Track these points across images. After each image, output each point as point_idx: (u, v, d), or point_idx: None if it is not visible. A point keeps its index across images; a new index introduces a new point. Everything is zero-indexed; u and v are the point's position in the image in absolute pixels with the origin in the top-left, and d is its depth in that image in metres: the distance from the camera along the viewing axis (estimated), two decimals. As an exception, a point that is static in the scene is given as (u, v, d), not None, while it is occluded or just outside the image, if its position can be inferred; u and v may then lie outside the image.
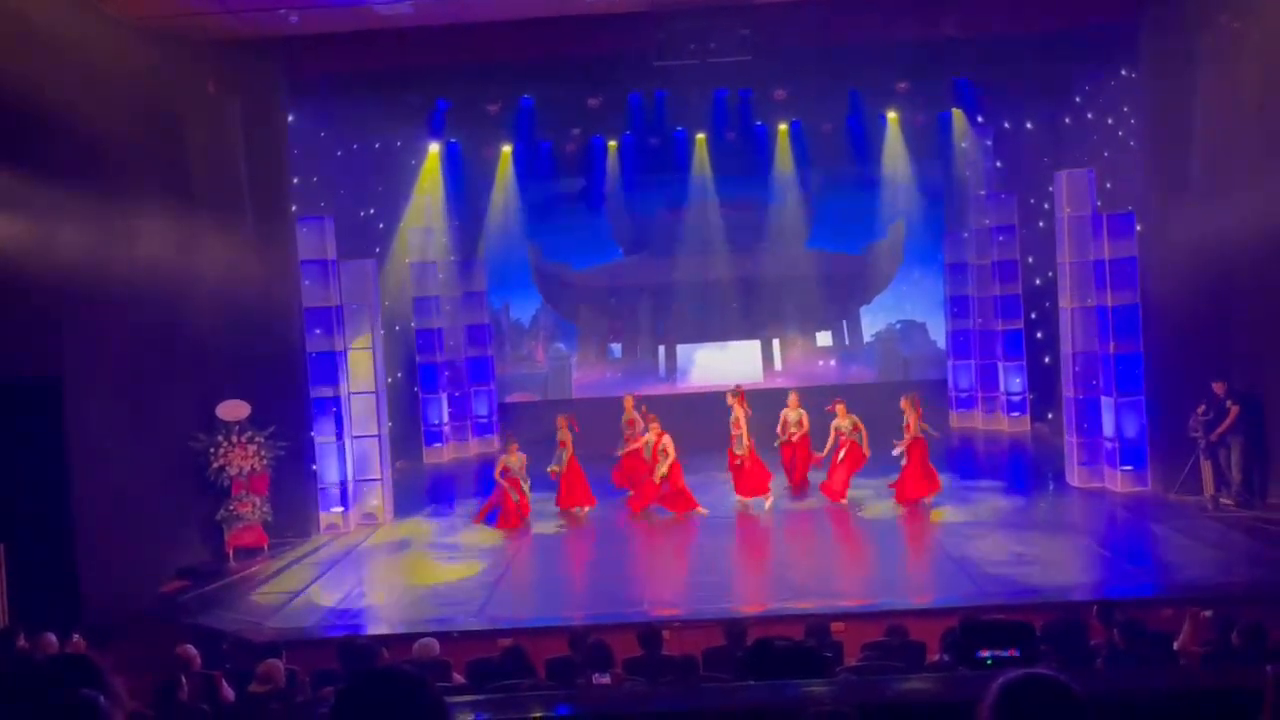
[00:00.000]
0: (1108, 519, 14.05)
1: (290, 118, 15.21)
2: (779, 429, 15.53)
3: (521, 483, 14.69)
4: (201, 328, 13.29)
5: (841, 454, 14.78)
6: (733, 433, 15.02)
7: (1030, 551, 12.54)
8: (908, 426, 14.57)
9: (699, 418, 15.89)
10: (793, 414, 15.46)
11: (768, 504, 14.79)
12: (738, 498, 14.99)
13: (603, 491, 15.55)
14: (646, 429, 15.08)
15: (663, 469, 14.39)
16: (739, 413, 15.07)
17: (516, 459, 14.72)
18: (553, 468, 15.13)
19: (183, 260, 12.42)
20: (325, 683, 8.05)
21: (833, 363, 20.66)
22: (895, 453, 14.52)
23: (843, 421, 14.88)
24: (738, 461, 15.00)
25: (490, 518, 14.77)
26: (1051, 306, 16.85)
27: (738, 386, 15.65)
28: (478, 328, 20.09)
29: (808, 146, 19.31)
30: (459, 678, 8.13)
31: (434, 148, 19.28)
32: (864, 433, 14.91)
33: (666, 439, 14.45)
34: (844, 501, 14.67)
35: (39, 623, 9.19)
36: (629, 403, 16.11)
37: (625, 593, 11.97)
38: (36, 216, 10.54)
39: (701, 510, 14.49)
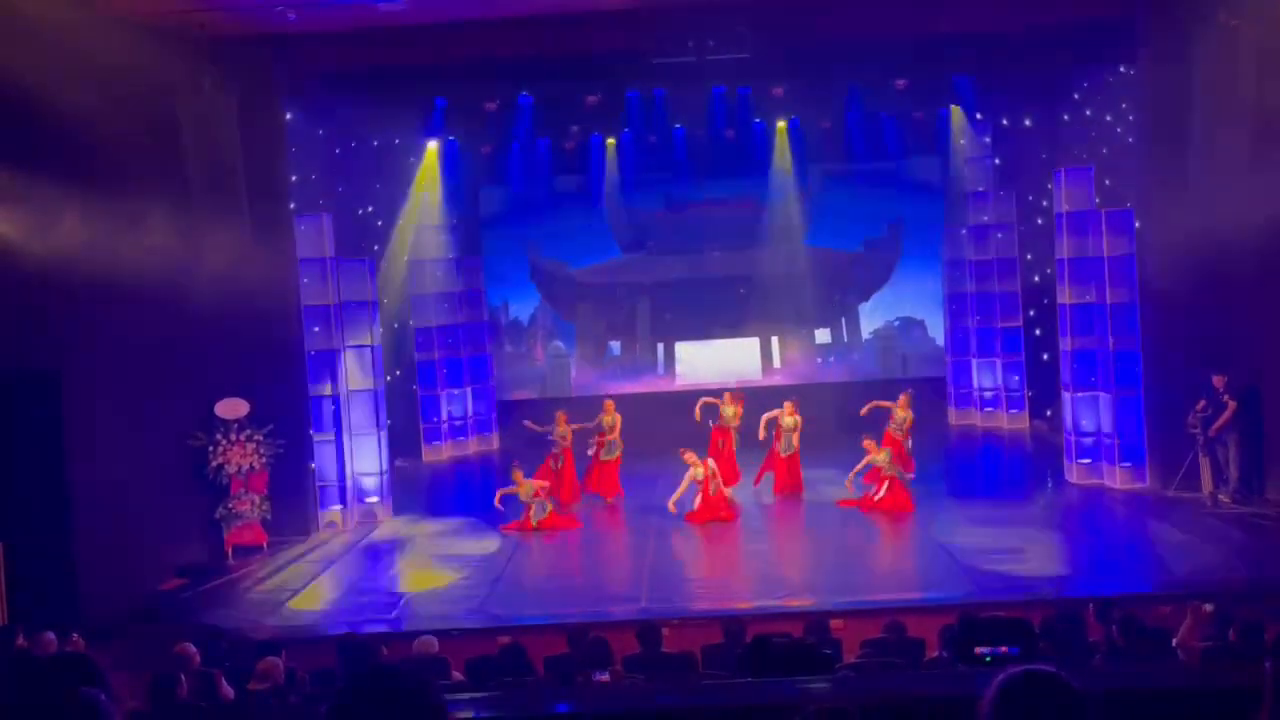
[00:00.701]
0: (1106, 516, 14.06)
1: (288, 115, 15.21)
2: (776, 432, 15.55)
3: (534, 511, 14.21)
4: (200, 325, 13.28)
5: (883, 491, 14.18)
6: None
7: (1029, 548, 12.55)
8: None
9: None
10: (788, 420, 15.39)
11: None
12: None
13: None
14: (611, 425, 15.42)
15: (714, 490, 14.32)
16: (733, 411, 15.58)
17: (526, 488, 14.30)
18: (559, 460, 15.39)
19: (181, 257, 12.41)
20: (324, 681, 8.06)
21: (831, 360, 20.65)
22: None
23: (878, 456, 14.30)
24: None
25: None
26: (1050, 303, 16.86)
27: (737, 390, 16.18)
28: (476, 325, 20.07)
29: (806, 143, 19.30)
30: (458, 675, 8.13)
31: (432, 145, 19.25)
32: (898, 464, 14.49)
33: (710, 463, 14.42)
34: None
35: (38, 621, 9.20)
36: (610, 405, 15.95)
37: (624, 590, 11.98)
38: (35, 212, 10.55)
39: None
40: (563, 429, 15.49)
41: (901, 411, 15.28)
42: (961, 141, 19.75)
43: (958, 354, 19.95)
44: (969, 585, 11.39)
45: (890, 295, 20.64)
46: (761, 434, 15.34)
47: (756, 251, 20.21)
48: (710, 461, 14.50)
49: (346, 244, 16.07)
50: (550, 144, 19.38)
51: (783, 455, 15.30)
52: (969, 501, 14.59)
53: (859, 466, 14.40)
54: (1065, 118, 17.79)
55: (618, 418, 15.61)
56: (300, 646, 9.73)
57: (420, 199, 19.45)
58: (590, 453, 15.67)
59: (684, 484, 14.31)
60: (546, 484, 14.64)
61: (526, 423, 16.11)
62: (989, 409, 19.49)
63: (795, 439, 15.27)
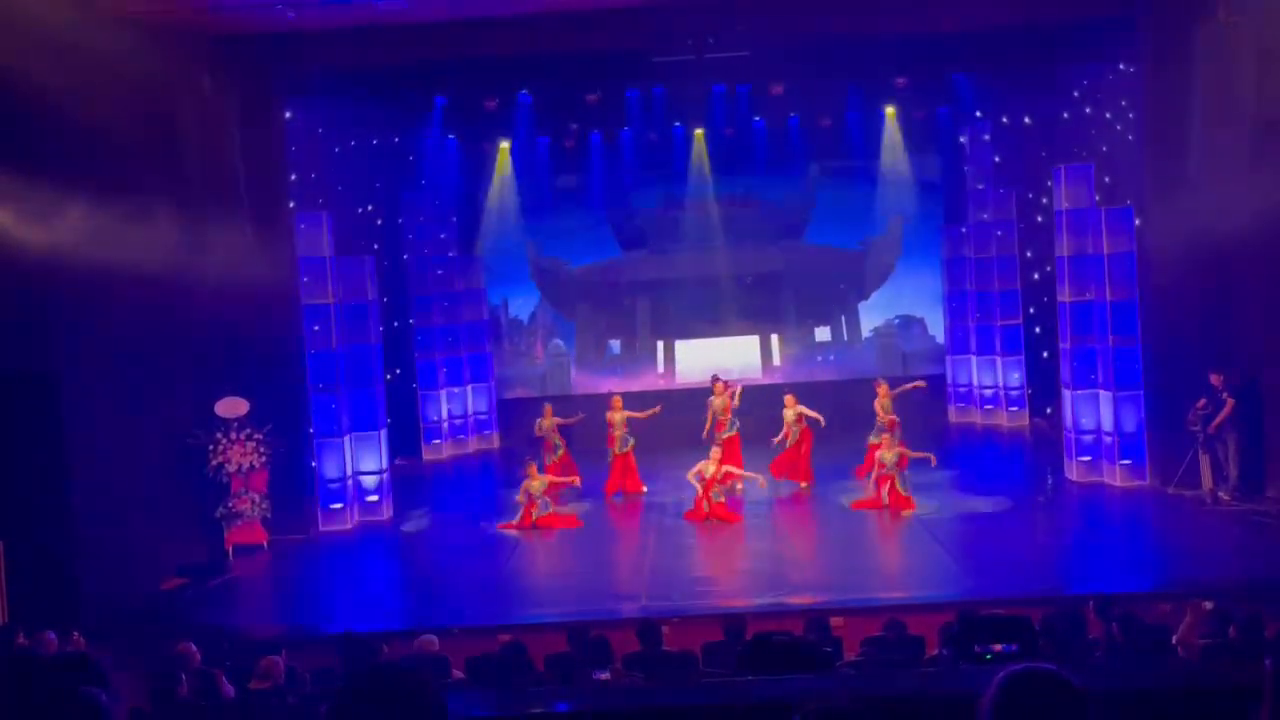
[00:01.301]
0: (1106, 513, 14.07)
1: (288, 114, 15.21)
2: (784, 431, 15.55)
3: (535, 507, 14.17)
4: (199, 324, 13.30)
5: (885, 492, 14.14)
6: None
7: (1028, 546, 12.56)
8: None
9: (698, 413, 15.90)
10: (789, 413, 15.42)
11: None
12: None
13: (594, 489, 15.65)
14: (622, 421, 15.52)
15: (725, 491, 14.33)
16: (722, 403, 15.53)
17: (538, 483, 14.31)
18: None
19: (181, 256, 12.40)
20: (325, 680, 8.06)
21: (831, 358, 20.64)
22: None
23: (888, 454, 14.19)
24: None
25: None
26: (1050, 301, 16.86)
27: (715, 377, 16.09)
28: (476, 324, 20.06)
29: (806, 141, 19.31)
30: (458, 674, 8.13)
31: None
32: (910, 456, 14.34)
33: (727, 467, 14.40)
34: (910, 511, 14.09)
35: (38, 620, 9.20)
36: (618, 401, 15.92)
37: (624, 588, 11.98)
38: (34, 211, 10.55)
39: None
40: (548, 421, 15.64)
41: (885, 399, 15.42)
42: (961, 139, 19.76)
43: (957, 352, 19.95)
44: (969, 583, 11.40)
45: (890, 293, 20.63)
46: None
47: (756, 249, 20.21)
48: (728, 468, 14.35)
49: (346, 243, 16.06)
50: (550, 142, 19.38)
51: (788, 445, 15.39)
52: (969, 499, 14.59)
53: (872, 474, 14.52)
54: (1065, 115, 17.78)
55: (625, 412, 15.67)
56: (300, 645, 9.74)
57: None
58: (608, 446, 15.69)
59: (697, 469, 14.29)
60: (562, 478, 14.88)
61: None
62: (989, 407, 19.48)
63: (797, 430, 15.32)
